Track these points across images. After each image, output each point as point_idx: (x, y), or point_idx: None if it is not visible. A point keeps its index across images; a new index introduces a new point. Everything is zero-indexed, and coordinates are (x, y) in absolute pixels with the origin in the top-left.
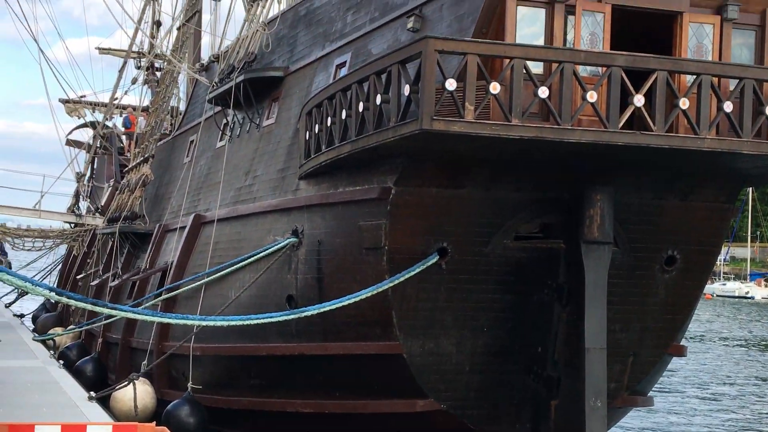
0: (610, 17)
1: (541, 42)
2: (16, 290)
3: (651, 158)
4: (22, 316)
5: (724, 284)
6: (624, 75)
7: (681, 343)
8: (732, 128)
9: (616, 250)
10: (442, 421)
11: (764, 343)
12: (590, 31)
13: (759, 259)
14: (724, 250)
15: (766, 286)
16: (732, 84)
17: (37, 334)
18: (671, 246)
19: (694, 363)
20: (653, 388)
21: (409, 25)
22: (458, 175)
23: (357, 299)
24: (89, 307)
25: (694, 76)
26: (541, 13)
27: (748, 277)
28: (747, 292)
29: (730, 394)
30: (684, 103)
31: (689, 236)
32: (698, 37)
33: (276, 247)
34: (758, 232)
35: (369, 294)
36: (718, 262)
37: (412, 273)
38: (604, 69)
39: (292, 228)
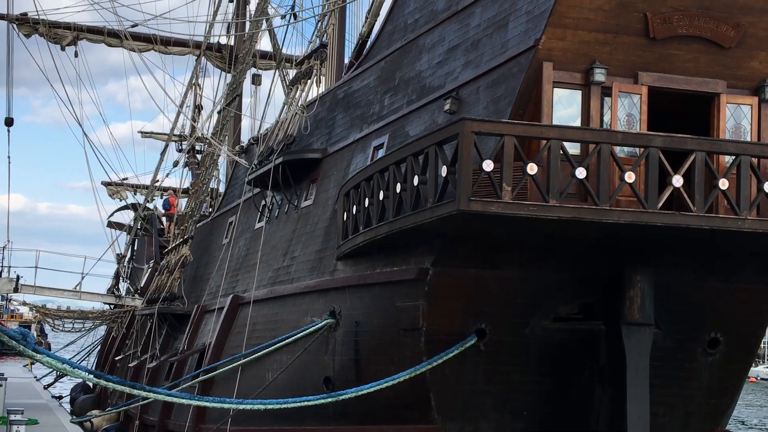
0: (646, 98)
1: (578, 123)
2: (55, 372)
3: (691, 239)
4: (60, 397)
5: None
6: (662, 155)
7: (726, 428)
8: None
9: (657, 332)
10: None
11: None
12: (627, 112)
13: None
14: None
15: None
16: None
17: (74, 416)
18: (714, 328)
19: None
20: None
21: (446, 107)
22: (496, 255)
23: (395, 382)
24: (126, 389)
25: (733, 157)
26: (578, 94)
27: None
28: None
29: None
30: (723, 184)
31: (732, 318)
32: (736, 118)
33: (313, 328)
34: None
35: (407, 376)
36: (762, 345)
37: (450, 355)
38: (642, 150)
39: (329, 309)
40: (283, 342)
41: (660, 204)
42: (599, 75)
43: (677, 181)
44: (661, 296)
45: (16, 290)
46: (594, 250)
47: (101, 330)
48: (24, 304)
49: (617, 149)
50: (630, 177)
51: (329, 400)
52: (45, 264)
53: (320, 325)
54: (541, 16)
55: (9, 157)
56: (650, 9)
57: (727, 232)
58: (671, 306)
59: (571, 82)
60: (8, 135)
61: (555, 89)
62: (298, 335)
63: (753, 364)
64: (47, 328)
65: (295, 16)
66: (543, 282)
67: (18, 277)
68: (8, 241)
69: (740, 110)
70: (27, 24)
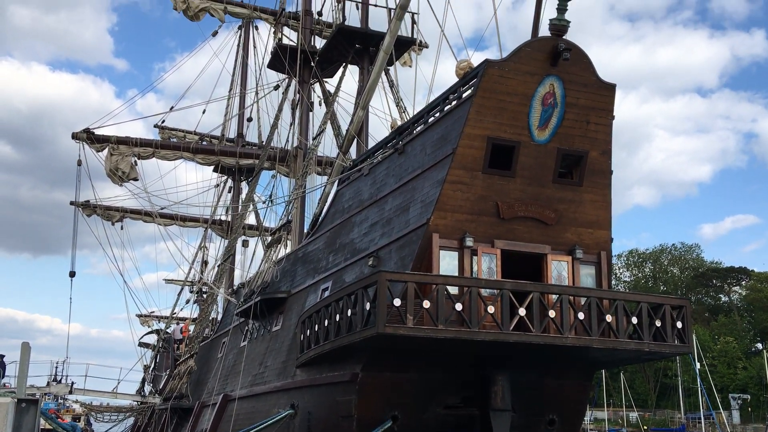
0: (500, 257)
1: (456, 273)
2: None
3: (533, 350)
4: None
5: None
6: (511, 295)
7: None
8: (585, 330)
9: (513, 415)
10: None
11: None
12: (488, 266)
13: (613, 419)
14: (588, 413)
15: None
16: (583, 300)
17: None
18: (551, 411)
19: None
20: None
21: (370, 262)
22: (404, 363)
23: None
24: None
25: (557, 296)
26: (456, 254)
27: None
28: None
29: None
30: (552, 313)
31: (563, 404)
32: (558, 270)
33: (279, 417)
34: (611, 400)
35: None
36: (585, 421)
37: None
38: (498, 291)
39: (290, 403)
40: (258, 427)
41: (511, 326)
42: (469, 241)
43: (522, 311)
44: (516, 390)
45: (70, 392)
46: (470, 358)
47: (131, 420)
48: (76, 402)
49: (482, 291)
50: (491, 309)
51: None
52: (93, 373)
53: (284, 414)
54: (430, 204)
55: (71, 298)
56: (499, 199)
57: (556, 346)
58: (522, 396)
59: (451, 246)
60: (71, 283)
61: (441, 251)
62: (269, 422)
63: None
64: (92, 419)
65: (272, 202)
66: (436, 381)
67: (72, 383)
68: (67, 357)
69: (561, 265)
70: (89, 208)
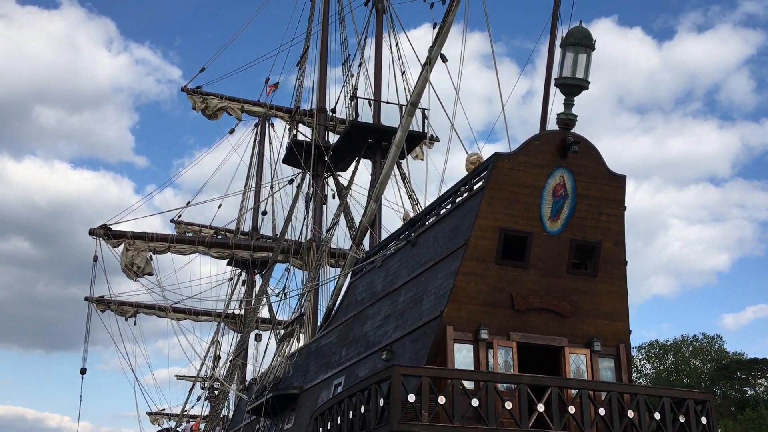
0: (516, 350)
1: (471, 367)
2: None
3: None
4: None
5: None
6: (529, 390)
7: None
8: (606, 426)
9: None
10: None
11: None
12: (504, 359)
13: None
14: None
15: None
16: (603, 395)
17: None
18: None
19: None
20: None
21: (383, 356)
22: None
23: None
24: None
25: (577, 390)
26: (471, 347)
27: None
28: None
29: None
30: (572, 409)
31: None
32: (576, 363)
33: None
34: None
35: None
36: None
37: None
38: (515, 386)
39: None
40: None
41: (530, 423)
42: (484, 334)
43: (541, 407)
44: None
45: None
46: None
47: None
48: None
49: (499, 385)
50: (509, 405)
51: None
52: None
53: None
54: (444, 296)
55: (81, 396)
56: (514, 290)
57: None
58: None
59: (466, 339)
60: (82, 381)
61: (455, 344)
62: None
63: None
64: None
65: (285, 294)
66: None
67: None
68: None
69: (579, 358)
70: (103, 303)
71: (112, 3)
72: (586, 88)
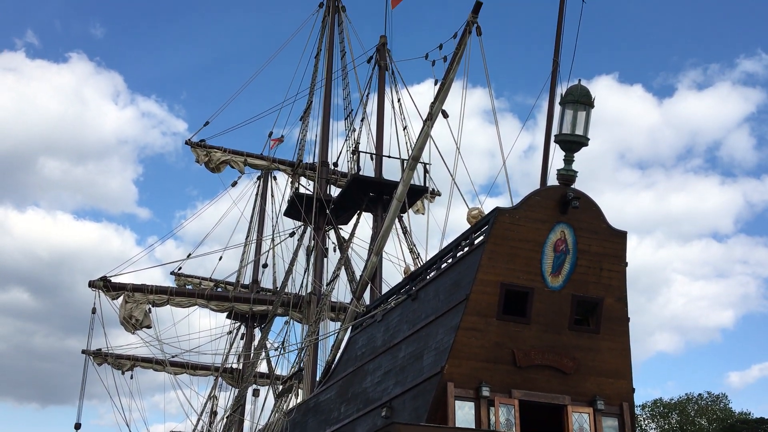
0: (518, 408)
1: (472, 425)
2: None
3: None
4: None
5: None
6: None
7: None
8: None
9: None
10: None
11: None
12: (506, 417)
13: None
14: None
15: None
16: None
17: None
18: None
19: None
20: None
21: (383, 413)
22: None
23: None
24: None
25: None
26: (472, 404)
27: None
28: None
29: None
30: None
31: None
32: (579, 422)
33: None
34: None
35: None
36: None
37: None
38: None
39: None
40: None
41: None
42: (485, 391)
43: None
44: None
45: None
46: None
47: None
48: None
49: None
50: None
51: None
52: None
53: None
54: (445, 351)
55: None
56: (515, 346)
57: None
58: None
59: (467, 396)
60: None
61: (456, 401)
62: None
63: None
64: None
65: (285, 349)
66: None
67: None
68: None
69: (582, 417)
70: (100, 356)
71: (120, 57)
72: (586, 144)
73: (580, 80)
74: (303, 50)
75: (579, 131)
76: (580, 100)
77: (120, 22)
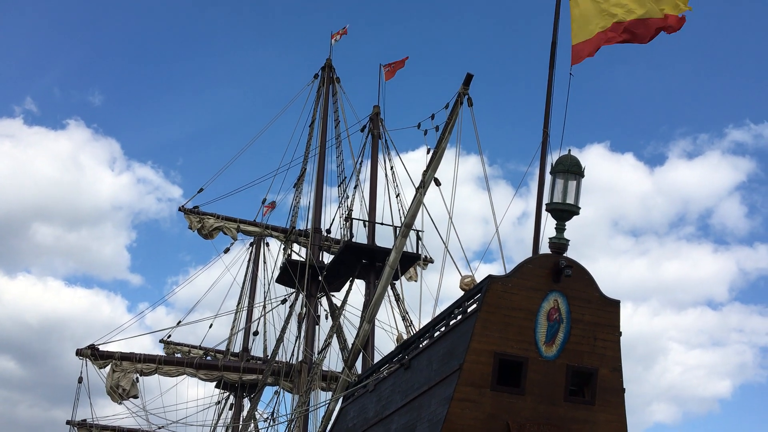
0: None
1: None
2: None
3: None
4: None
5: None
6: None
7: None
8: None
9: None
10: None
11: None
12: None
13: None
14: None
15: None
16: None
17: None
18: None
19: None
20: None
21: None
22: None
23: None
24: None
25: None
26: None
27: None
28: None
29: None
30: None
31: None
32: None
33: None
34: None
35: None
36: None
37: None
38: None
39: None
40: None
41: None
42: None
43: None
44: None
45: None
46: None
47: None
48: None
49: None
50: None
51: None
52: None
53: None
54: (438, 423)
55: None
56: (510, 418)
57: None
58: None
59: None
60: None
61: None
62: None
63: None
64: None
65: (274, 420)
66: None
67: None
68: None
69: None
70: (84, 428)
71: (118, 124)
72: (577, 213)
73: (570, 150)
74: (297, 119)
75: (570, 200)
76: (571, 170)
77: (119, 90)
